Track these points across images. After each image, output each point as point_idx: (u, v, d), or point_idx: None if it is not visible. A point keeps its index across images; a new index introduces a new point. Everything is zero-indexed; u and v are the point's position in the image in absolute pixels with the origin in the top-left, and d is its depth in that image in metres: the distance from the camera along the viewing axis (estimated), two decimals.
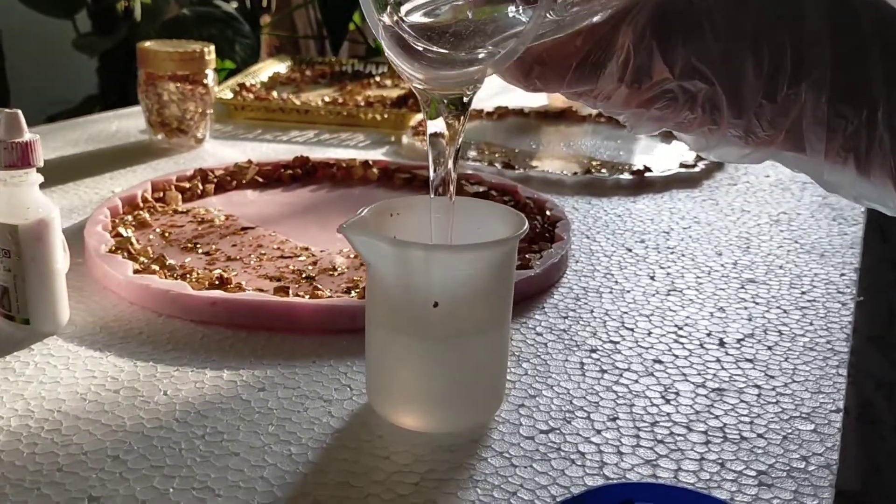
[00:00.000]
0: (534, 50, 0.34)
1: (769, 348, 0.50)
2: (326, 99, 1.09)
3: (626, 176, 0.82)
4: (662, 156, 0.91)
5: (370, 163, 0.80)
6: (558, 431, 0.41)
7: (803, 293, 0.58)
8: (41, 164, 0.45)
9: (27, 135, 0.43)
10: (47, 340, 0.48)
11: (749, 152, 0.35)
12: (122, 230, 0.61)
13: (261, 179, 0.76)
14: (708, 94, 0.33)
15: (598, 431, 0.41)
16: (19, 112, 0.43)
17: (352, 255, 0.60)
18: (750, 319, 0.54)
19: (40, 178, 0.45)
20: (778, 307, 0.56)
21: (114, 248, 0.57)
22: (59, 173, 0.78)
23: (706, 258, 0.63)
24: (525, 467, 0.38)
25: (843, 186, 0.34)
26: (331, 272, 0.57)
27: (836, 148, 0.33)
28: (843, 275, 0.61)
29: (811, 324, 0.53)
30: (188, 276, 0.54)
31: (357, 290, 0.53)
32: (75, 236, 0.63)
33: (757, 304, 0.56)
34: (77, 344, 0.48)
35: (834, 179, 0.34)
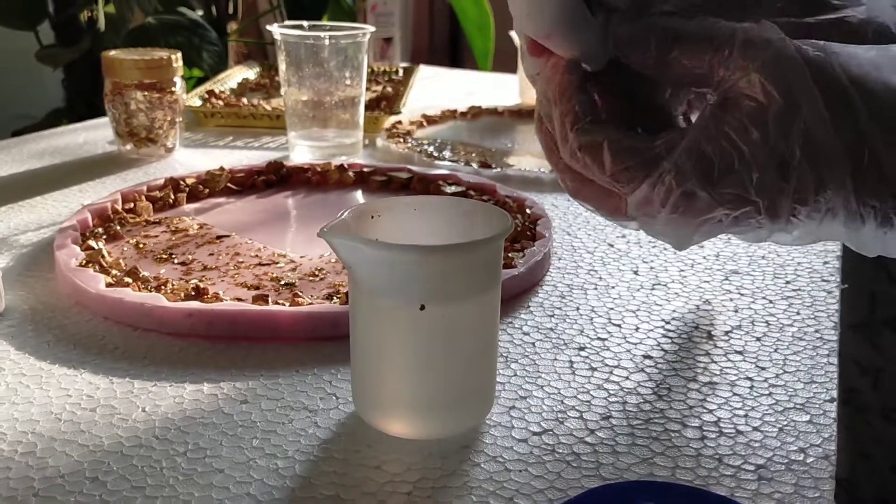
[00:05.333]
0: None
1: (758, 339, 0.50)
2: None
3: None
4: None
5: (345, 166, 0.78)
6: (551, 433, 0.40)
7: (788, 283, 0.57)
8: None
9: None
10: (19, 359, 0.46)
11: (797, 235, 0.36)
12: (92, 243, 0.59)
13: (234, 187, 0.74)
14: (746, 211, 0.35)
15: (592, 431, 0.40)
16: None
17: (333, 260, 0.59)
18: (736, 311, 0.53)
19: None
20: (763, 297, 0.55)
21: (85, 261, 0.56)
22: (25, 188, 0.76)
23: (688, 251, 0.63)
24: (520, 471, 0.37)
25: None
26: (311, 278, 0.56)
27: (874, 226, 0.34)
28: (826, 262, 0.60)
29: (798, 313, 0.53)
30: (163, 287, 0.53)
31: (339, 296, 0.52)
32: (44, 251, 0.61)
33: (742, 295, 0.56)
34: (50, 362, 0.46)
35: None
